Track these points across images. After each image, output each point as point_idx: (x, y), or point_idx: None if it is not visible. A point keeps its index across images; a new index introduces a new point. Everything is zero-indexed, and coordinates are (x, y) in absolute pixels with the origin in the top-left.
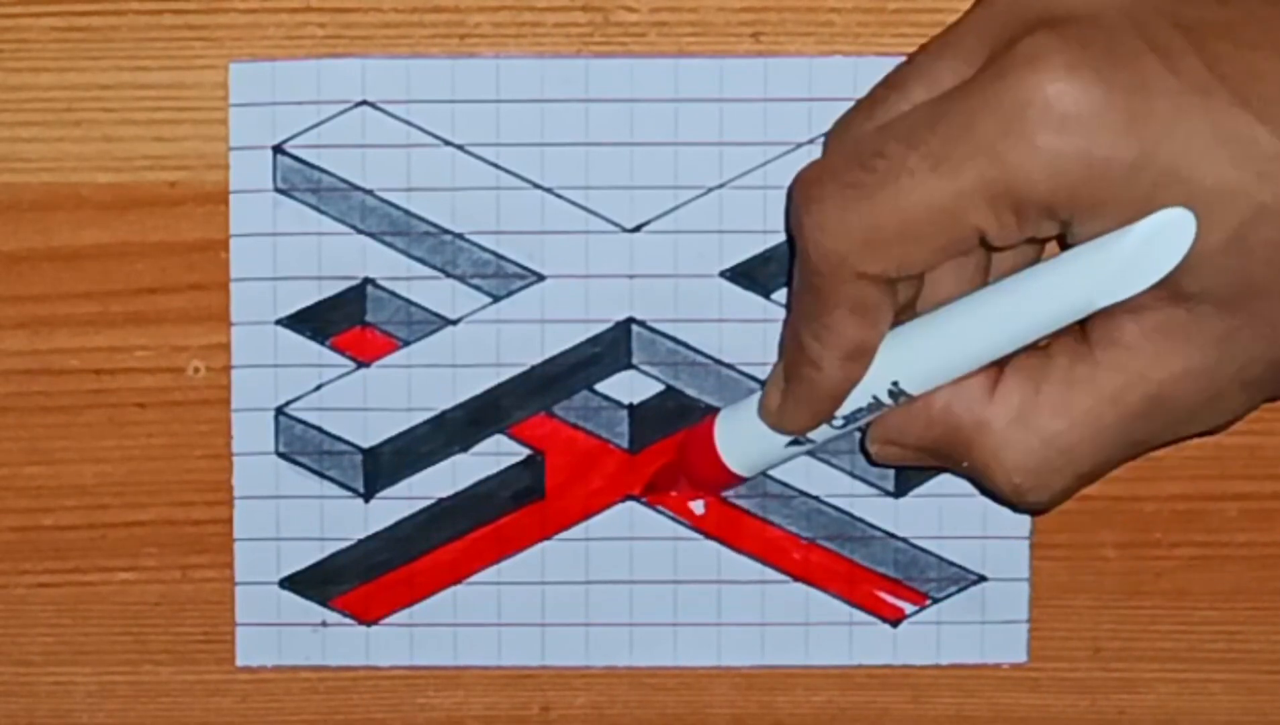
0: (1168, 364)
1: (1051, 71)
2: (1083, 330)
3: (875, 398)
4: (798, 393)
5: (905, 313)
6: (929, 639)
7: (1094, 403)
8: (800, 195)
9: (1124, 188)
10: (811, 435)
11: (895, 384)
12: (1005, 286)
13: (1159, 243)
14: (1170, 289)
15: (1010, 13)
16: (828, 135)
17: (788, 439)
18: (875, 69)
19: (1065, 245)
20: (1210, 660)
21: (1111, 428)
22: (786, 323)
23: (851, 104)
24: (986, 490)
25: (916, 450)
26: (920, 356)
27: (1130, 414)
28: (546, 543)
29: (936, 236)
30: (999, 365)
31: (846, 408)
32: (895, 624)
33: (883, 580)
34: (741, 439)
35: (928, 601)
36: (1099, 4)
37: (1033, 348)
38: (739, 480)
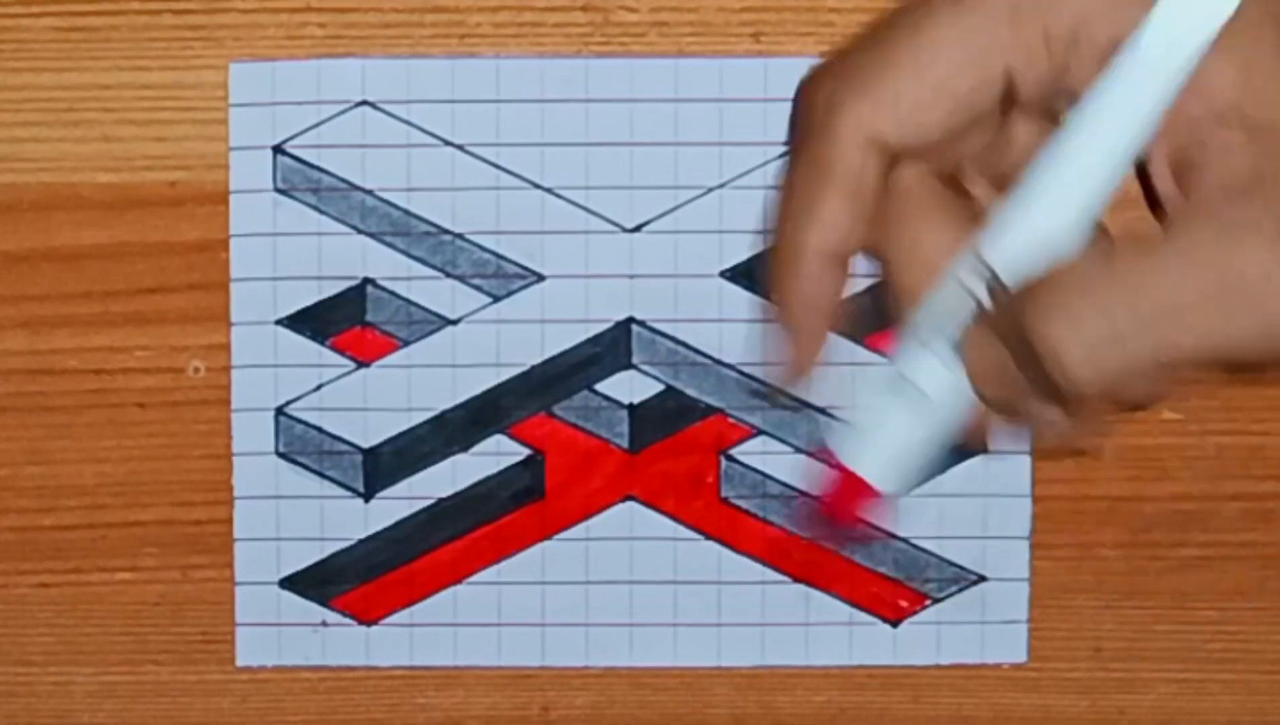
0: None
1: None
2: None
3: (971, 291)
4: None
5: None
6: (929, 639)
7: (1181, 248)
8: (814, 70)
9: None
10: (927, 388)
11: (985, 265)
12: (1071, 124)
13: None
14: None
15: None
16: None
17: (923, 423)
18: None
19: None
20: (1210, 660)
21: (1201, 266)
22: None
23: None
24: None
25: (1000, 344)
26: (1008, 228)
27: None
28: (546, 543)
29: (961, 84)
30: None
31: (943, 322)
32: (895, 624)
33: (883, 580)
34: (872, 449)
35: (928, 601)
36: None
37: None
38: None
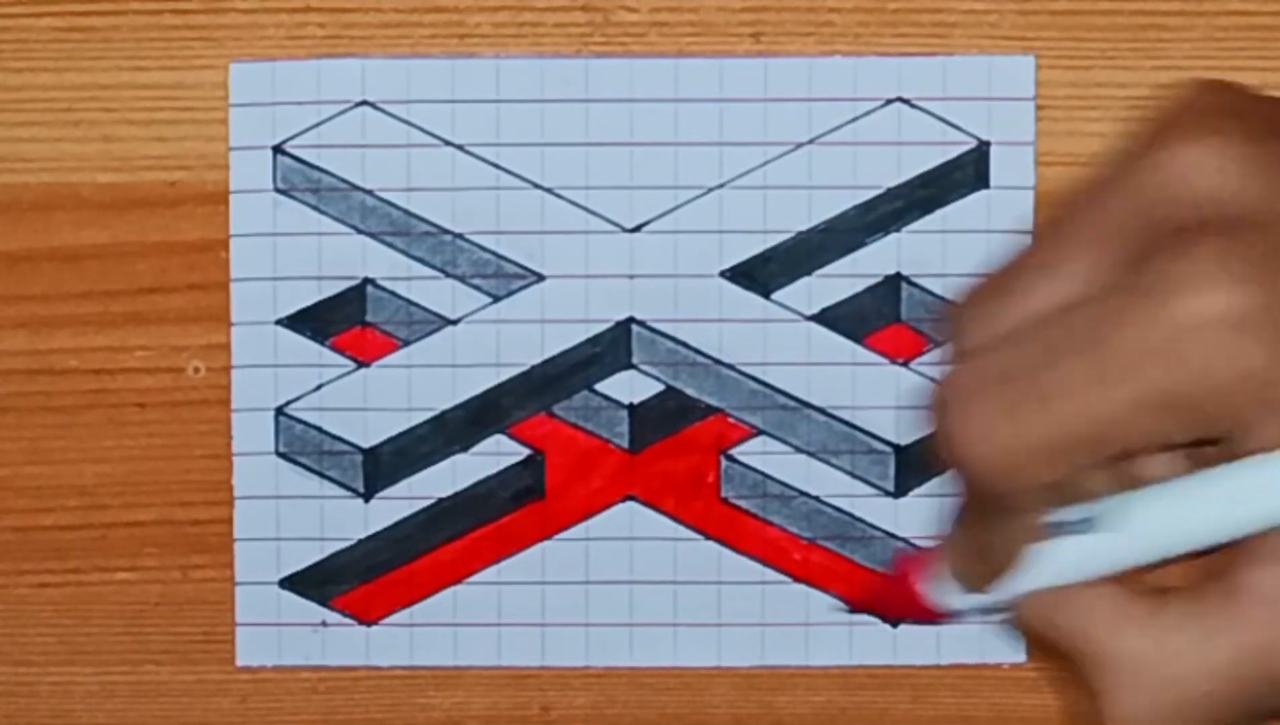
0: None
1: (1218, 284)
2: (1225, 570)
3: (1076, 520)
4: (979, 565)
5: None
6: (929, 639)
7: (1231, 658)
8: (945, 410)
9: None
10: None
11: (1102, 510)
12: (1232, 473)
13: None
14: None
15: (1151, 209)
16: (952, 312)
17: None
18: (875, 69)
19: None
20: None
21: (1247, 689)
22: (958, 502)
23: (973, 283)
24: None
25: (1047, 642)
26: (1136, 502)
27: (1266, 678)
28: (546, 543)
29: (1098, 448)
30: (1144, 594)
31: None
32: (895, 624)
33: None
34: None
35: None
36: (1249, 200)
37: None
38: (943, 618)
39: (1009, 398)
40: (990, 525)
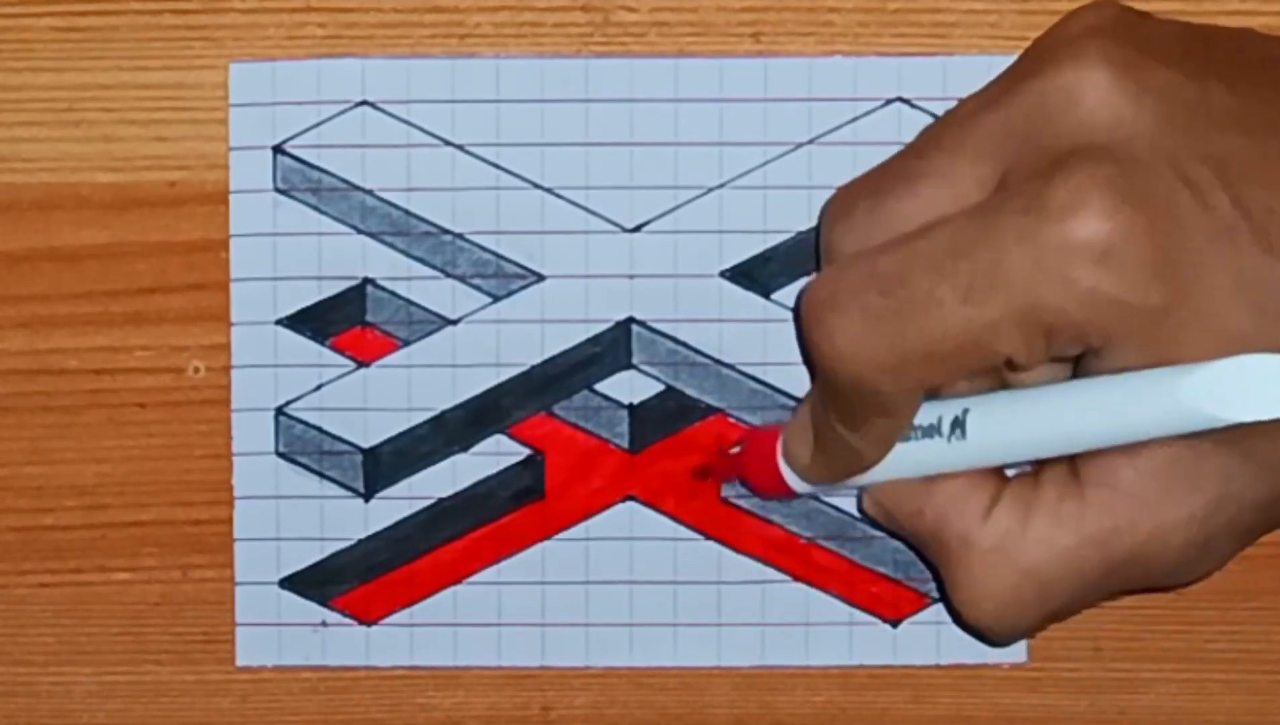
0: (1162, 512)
1: (1092, 211)
2: (1074, 463)
3: (939, 421)
4: (831, 461)
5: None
6: (929, 639)
7: (1078, 543)
8: (813, 315)
9: (1152, 327)
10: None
11: (964, 412)
12: (1100, 384)
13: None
14: None
15: (1032, 128)
16: (826, 210)
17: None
18: (875, 69)
19: (1076, 364)
20: (1210, 660)
21: (1091, 573)
22: (812, 392)
23: (851, 181)
24: (949, 606)
25: (900, 527)
26: (998, 405)
27: (1114, 561)
28: (546, 543)
29: (963, 361)
30: (1000, 484)
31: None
32: (895, 624)
33: (883, 580)
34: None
35: (928, 601)
36: (1128, 131)
37: (1026, 474)
38: (794, 494)
39: (874, 309)
40: (845, 425)
